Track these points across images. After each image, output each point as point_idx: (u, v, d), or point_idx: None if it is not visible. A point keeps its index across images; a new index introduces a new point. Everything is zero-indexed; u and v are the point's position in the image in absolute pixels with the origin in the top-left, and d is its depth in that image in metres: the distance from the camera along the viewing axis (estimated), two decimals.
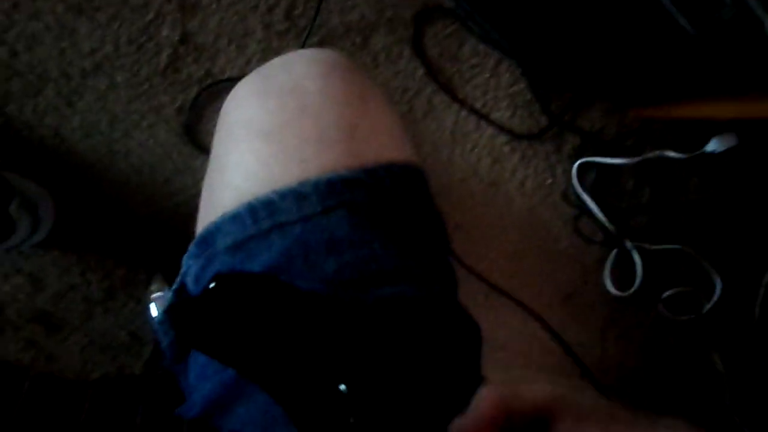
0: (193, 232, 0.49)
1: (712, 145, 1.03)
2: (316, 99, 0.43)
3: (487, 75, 1.02)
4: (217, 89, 0.93)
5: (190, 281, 0.46)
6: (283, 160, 0.42)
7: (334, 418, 0.36)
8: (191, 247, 0.46)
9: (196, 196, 0.94)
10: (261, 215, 0.41)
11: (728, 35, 0.69)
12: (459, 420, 0.28)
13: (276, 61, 0.46)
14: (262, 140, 0.42)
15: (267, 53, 0.94)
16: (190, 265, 0.46)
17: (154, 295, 0.89)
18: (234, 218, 0.42)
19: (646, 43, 0.82)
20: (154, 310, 0.91)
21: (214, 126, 0.50)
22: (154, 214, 0.94)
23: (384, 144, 0.44)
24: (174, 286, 0.49)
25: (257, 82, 0.46)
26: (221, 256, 0.42)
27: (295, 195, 0.40)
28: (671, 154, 1.06)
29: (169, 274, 0.92)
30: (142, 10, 0.90)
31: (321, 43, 0.96)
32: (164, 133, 0.93)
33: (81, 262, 0.92)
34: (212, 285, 0.38)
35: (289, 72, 0.44)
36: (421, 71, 1.00)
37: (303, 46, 0.94)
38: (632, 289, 1.09)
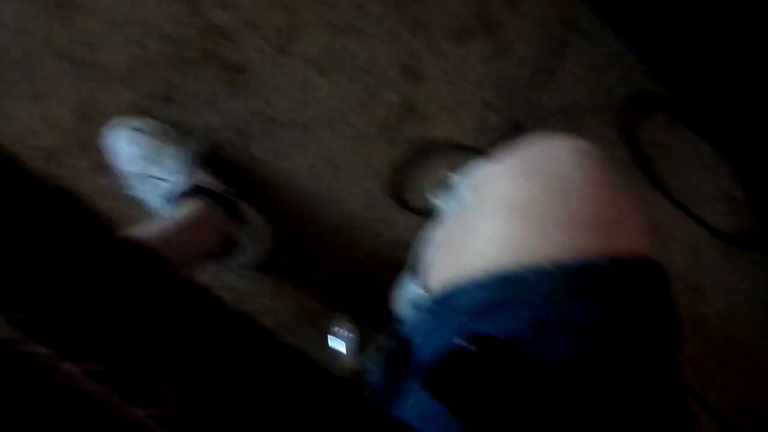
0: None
1: None
2: (573, 185, 0.45)
3: (700, 172, 0.99)
4: (428, 151, 0.98)
5: (418, 333, 0.50)
6: (535, 238, 0.44)
7: None
8: (431, 303, 0.49)
9: (384, 244, 0.99)
10: (509, 287, 0.43)
11: None
12: None
13: (536, 145, 0.50)
14: (518, 217, 0.45)
15: (479, 126, 0.99)
16: (422, 319, 0.49)
17: (337, 331, 0.95)
18: (482, 285, 0.44)
19: None
20: (335, 345, 0.96)
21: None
22: (346, 257, 1.00)
23: (632, 236, 0.45)
24: (399, 335, 0.52)
25: (519, 163, 0.49)
26: (460, 317, 0.45)
27: (545, 274, 0.42)
28: None
29: (353, 315, 0.97)
30: (373, 72, 0.98)
31: (530, 121, 0.99)
32: (374, 186, 0.99)
33: (275, 289, 1.00)
34: (468, 345, 0.41)
35: (553, 158, 0.47)
36: (625, 157, 0.99)
37: (515, 124, 0.98)
38: None
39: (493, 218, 0.47)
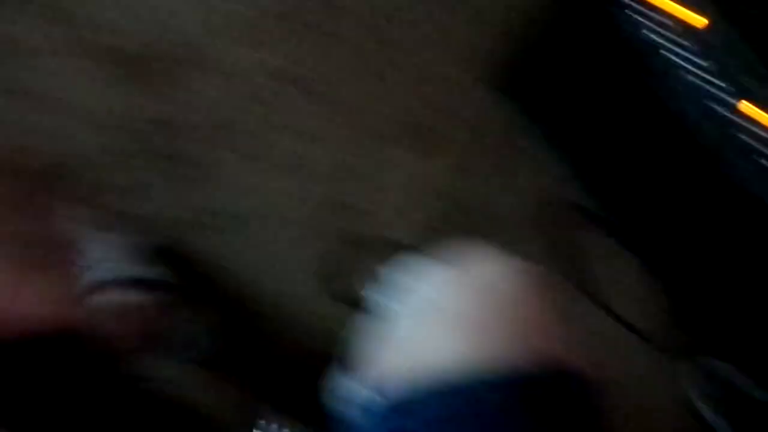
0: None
1: None
2: (508, 298, 0.47)
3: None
4: (360, 245, 1.00)
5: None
6: (469, 347, 0.45)
7: None
8: (384, 411, 0.48)
9: (326, 340, 0.98)
10: (463, 399, 0.43)
11: None
12: None
13: (470, 255, 0.52)
14: (454, 327, 0.46)
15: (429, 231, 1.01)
16: (373, 425, 0.48)
17: (263, 423, 0.92)
18: (440, 395, 0.44)
19: None
20: None
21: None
22: (281, 349, 0.98)
23: (571, 352, 0.47)
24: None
25: (455, 272, 0.51)
26: (420, 428, 0.44)
27: (497, 387, 0.43)
28: None
29: (278, 407, 0.95)
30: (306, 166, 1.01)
31: (465, 227, 1.02)
32: (306, 281, 0.99)
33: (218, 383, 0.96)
34: None
35: (488, 270, 0.49)
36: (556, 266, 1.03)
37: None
38: None
39: (428, 326, 0.48)
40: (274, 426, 0.94)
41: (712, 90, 0.87)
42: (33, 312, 0.70)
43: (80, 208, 0.89)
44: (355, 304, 0.99)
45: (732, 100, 0.85)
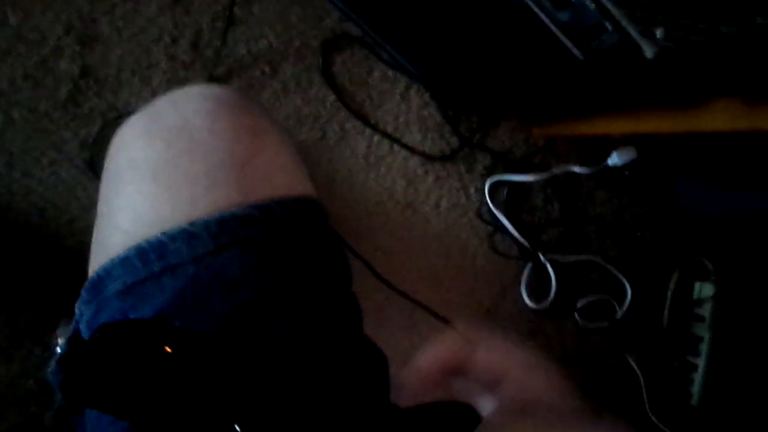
0: None
1: (614, 159, 1.09)
2: (204, 136, 0.42)
3: (398, 99, 1.04)
4: (121, 123, 0.90)
5: (83, 329, 0.45)
6: (171, 200, 0.41)
7: None
8: (82, 293, 0.44)
9: None
10: (151, 258, 0.40)
11: (612, 59, 0.73)
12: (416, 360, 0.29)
13: (163, 99, 0.46)
14: (150, 181, 0.42)
15: (173, 84, 0.93)
16: (83, 312, 0.44)
17: (60, 340, 0.85)
18: (123, 262, 0.40)
19: (542, 66, 0.86)
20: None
21: (102, 170, 0.48)
22: (58, 254, 0.90)
23: (277, 179, 0.44)
24: (68, 335, 0.47)
25: (143, 121, 0.45)
26: (112, 301, 0.41)
27: (186, 235, 0.40)
28: (576, 169, 1.11)
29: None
30: (39, 44, 0.87)
31: (229, 73, 0.95)
32: (67, 170, 0.89)
33: None
34: (97, 335, 0.37)
35: (176, 110, 0.44)
36: (331, 98, 1.01)
37: (210, 77, 0.93)
38: (548, 301, 1.13)
39: (125, 188, 0.43)
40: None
41: None
42: None
43: None
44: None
45: None
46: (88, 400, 0.37)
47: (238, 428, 0.35)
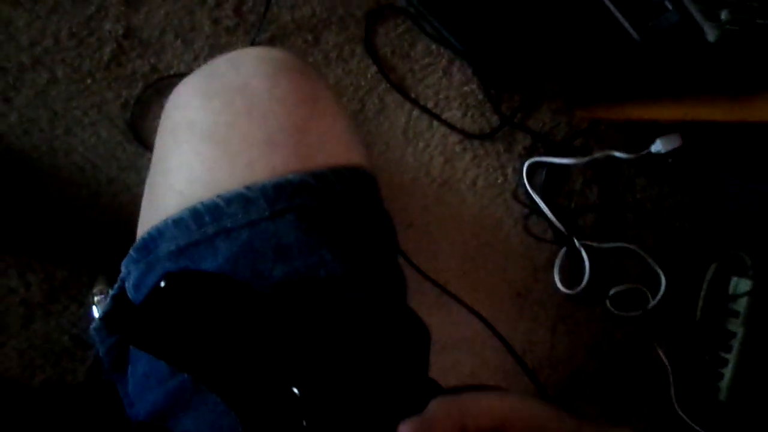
0: (135, 234, 0.47)
1: (657, 146, 1.06)
2: (263, 100, 0.42)
3: (439, 74, 1.02)
4: (163, 85, 0.90)
5: (129, 287, 0.45)
6: (228, 163, 0.40)
7: (286, 422, 0.36)
8: (131, 252, 0.44)
9: (140, 194, 0.91)
10: (206, 220, 0.39)
11: (671, 41, 0.70)
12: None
13: (221, 59, 0.45)
14: (207, 142, 0.41)
15: (215, 49, 0.92)
16: (130, 271, 0.44)
17: (96, 298, 0.87)
18: (177, 223, 0.40)
19: (594, 46, 0.84)
20: (96, 313, 0.88)
21: (157, 129, 0.48)
22: (96, 213, 0.91)
23: (334, 147, 0.43)
24: (112, 292, 0.47)
25: (202, 80, 0.44)
26: (163, 261, 0.41)
27: (242, 199, 0.39)
28: (618, 154, 1.08)
29: (112, 276, 0.89)
30: (84, 2, 0.87)
31: (271, 40, 0.94)
32: (108, 130, 0.89)
33: (20, 264, 0.88)
34: (162, 283, 0.37)
35: (236, 71, 0.43)
36: (373, 69, 0.99)
37: (253, 42, 0.92)
38: (580, 287, 1.11)
39: (180, 147, 0.42)
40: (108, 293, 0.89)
41: None
42: None
43: None
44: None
45: None
46: (151, 348, 0.37)
47: (296, 391, 0.34)
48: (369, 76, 0.99)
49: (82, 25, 0.87)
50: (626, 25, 0.71)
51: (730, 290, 1.16)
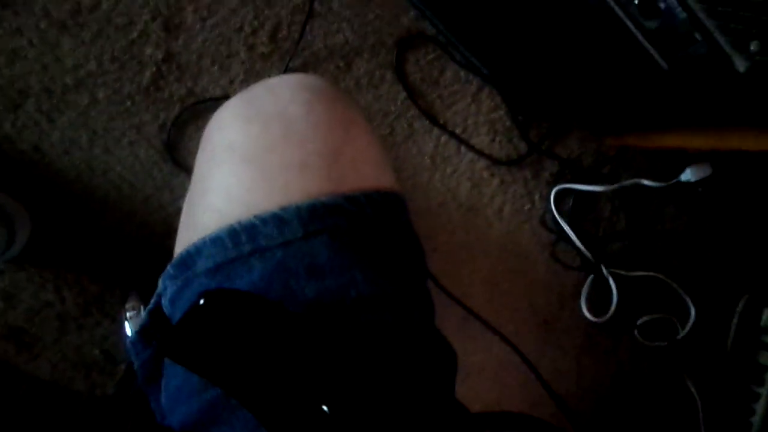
0: (170, 251, 0.49)
1: (687, 175, 1.06)
2: (299, 125, 0.43)
3: (468, 101, 1.04)
4: (199, 109, 0.93)
5: (165, 302, 0.46)
6: (265, 184, 0.42)
7: None
8: (169, 268, 0.45)
9: (174, 214, 0.94)
10: (242, 239, 0.41)
11: (700, 71, 0.71)
12: None
13: (260, 85, 0.47)
14: (245, 164, 0.43)
15: (250, 75, 0.95)
16: (166, 286, 0.46)
17: (129, 314, 0.89)
18: (215, 241, 0.42)
19: (623, 74, 0.84)
20: (128, 329, 0.90)
21: (196, 145, 0.50)
22: (131, 231, 0.93)
23: (366, 171, 0.45)
24: (149, 307, 0.49)
25: (241, 105, 0.46)
26: (200, 278, 0.42)
27: (277, 220, 0.41)
28: (647, 182, 1.08)
29: (144, 292, 0.91)
30: (127, 28, 0.90)
31: (304, 66, 0.97)
32: (145, 150, 0.92)
33: (56, 279, 0.91)
34: (201, 301, 0.38)
35: (274, 97, 0.45)
36: (402, 95, 1.01)
37: (286, 69, 0.95)
38: (608, 315, 1.10)
39: (220, 169, 0.44)
40: (142, 310, 0.91)
41: None
42: None
43: None
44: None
45: None
46: (188, 362, 0.38)
47: (326, 409, 0.35)
48: (399, 102, 1.01)
49: (124, 50, 0.90)
50: (654, 54, 0.72)
51: (762, 322, 1.14)
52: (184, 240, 0.45)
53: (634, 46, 0.75)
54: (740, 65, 0.65)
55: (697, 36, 0.67)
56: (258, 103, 0.45)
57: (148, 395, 0.51)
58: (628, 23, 0.72)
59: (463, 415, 0.45)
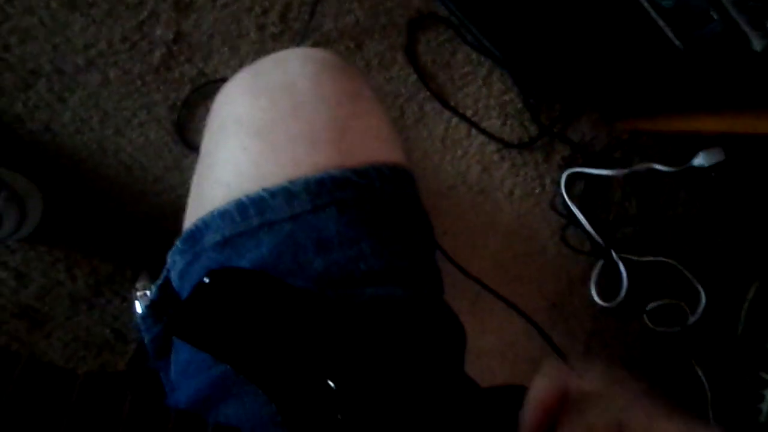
0: (180, 230, 0.49)
1: (700, 159, 1.05)
2: (308, 98, 0.43)
3: (479, 83, 1.03)
4: (210, 89, 0.93)
5: (174, 277, 0.46)
6: (273, 158, 0.42)
7: (322, 414, 0.37)
8: (177, 243, 0.46)
9: (184, 194, 0.93)
10: (250, 212, 0.41)
11: (715, 50, 0.70)
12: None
13: (268, 59, 0.47)
14: (253, 138, 0.43)
15: (260, 55, 0.94)
16: (175, 261, 0.46)
17: (139, 293, 0.89)
18: (223, 215, 0.42)
19: (636, 56, 0.83)
20: (139, 308, 0.90)
21: (205, 125, 0.50)
22: (142, 211, 0.94)
23: (374, 145, 0.45)
24: (158, 281, 0.49)
25: (249, 79, 0.46)
26: (209, 252, 0.42)
27: (285, 193, 0.41)
28: (659, 166, 1.07)
29: (155, 271, 0.92)
30: (137, 8, 0.90)
31: (315, 47, 0.96)
32: (155, 131, 0.92)
33: (67, 258, 0.91)
34: (206, 280, 0.38)
35: (282, 70, 0.45)
36: (413, 77, 1.00)
37: None
38: (617, 300, 1.10)
39: (228, 142, 0.44)
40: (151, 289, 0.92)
41: None
42: None
43: None
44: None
45: None
46: (194, 339, 0.38)
47: (332, 384, 0.35)
48: (409, 83, 1.01)
49: (135, 30, 0.90)
50: (669, 33, 0.71)
51: None
52: (193, 214, 0.45)
53: (648, 25, 0.74)
54: (757, 44, 0.64)
55: (713, 14, 0.66)
56: (266, 76, 0.45)
57: (159, 370, 0.51)
58: (643, 1, 0.71)
59: (473, 389, 0.45)
